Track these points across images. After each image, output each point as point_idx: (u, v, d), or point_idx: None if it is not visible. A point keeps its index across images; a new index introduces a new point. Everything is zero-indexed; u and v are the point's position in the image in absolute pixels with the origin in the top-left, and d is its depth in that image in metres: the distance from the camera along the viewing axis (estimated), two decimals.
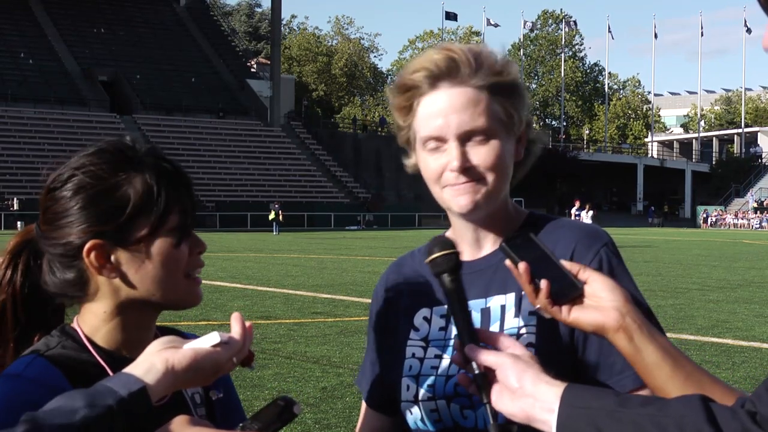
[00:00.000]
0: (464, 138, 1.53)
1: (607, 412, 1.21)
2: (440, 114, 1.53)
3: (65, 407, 1.16)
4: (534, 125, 1.70)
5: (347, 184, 64.19)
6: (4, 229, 45.80)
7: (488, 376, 1.29)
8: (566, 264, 1.41)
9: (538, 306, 1.39)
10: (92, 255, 1.44)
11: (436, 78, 1.53)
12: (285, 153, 64.92)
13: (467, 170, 1.54)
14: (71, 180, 1.45)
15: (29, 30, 68.12)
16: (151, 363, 1.25)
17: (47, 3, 71.56)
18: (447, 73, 1.53)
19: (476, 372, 1.30)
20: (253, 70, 76.07)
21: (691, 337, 10.66)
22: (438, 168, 1.56)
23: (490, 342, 1.34)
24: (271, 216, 47.56)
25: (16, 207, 48.79)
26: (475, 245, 1.68)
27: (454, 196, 1.57)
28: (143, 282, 1.46)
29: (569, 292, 1.38)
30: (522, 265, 1.38)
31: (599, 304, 1.38)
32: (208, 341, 1.29)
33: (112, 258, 1.44)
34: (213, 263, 21.89)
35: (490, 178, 1.55)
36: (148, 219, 1.44)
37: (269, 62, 73.99)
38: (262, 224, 51.44)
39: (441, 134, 1.54)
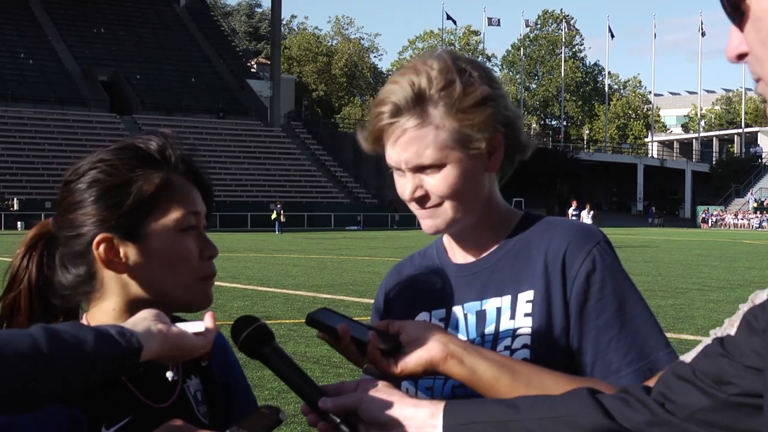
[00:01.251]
0: (417, 169, 1.57)
1: (495, 424, 1.17)
2: (393, 148, 1.58)
3: (79, 337, 1.18)
4: (526, 125, 1.70)
5: (347, 185, 64.18)
6: (4, 229, 45.79)
7: (351, 420, 1.25)
8: (374, 324, 1.45)
9: (365, 366, 1.40)
10: (101, 248, 1.44)
11: (392, 114, 1.56)
12: (285, 153, 64.90)
13: (421, 199, 1.59)
14: (88, 173, 1.46)
15: (29, 30, 68.09)
16: (149, 329, 1.27)
17: (47, 3, 71.53)
18: (399, 109, 1.55)
19: (338, 421, 1.26)
20: (253, 70, 76.05)
21: (691, 337, 10.65)
22: (402, 190, 1.61)
23: (337, 392, 1.30)
24: (273, 216, 47.87)
25: (16, 207, 48.78)
26: (469, 248, 1.70)
27: (419, 218, 1.63)
28: (150, 279, 1.45)
29: (389, 344, 1.40)
30: (341, 326, 1.40)
31: (420, 344, 1.39)
32: (193, 327, 1.34)
33: (121, 252, 1.44)
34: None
35: (446, 204, 1.59)
36: (158, 216, 1.44)
37: (269, 62, 73.98)
38: (263, 224, 51.45)
39: (398, 166, 1.59)
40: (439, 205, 1.59)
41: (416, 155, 1.55)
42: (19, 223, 46.24)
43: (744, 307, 1.31)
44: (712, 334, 1.33)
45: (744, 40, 0.91)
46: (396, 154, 1.57)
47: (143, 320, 1.29)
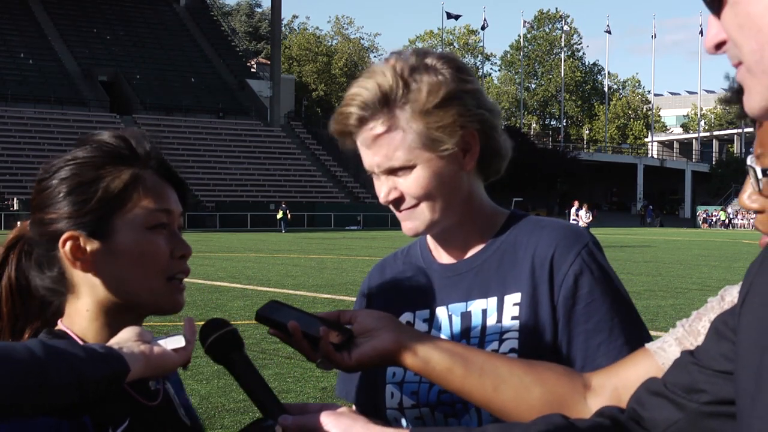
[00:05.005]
0: (389, 172, 1.56)
1: None
2: (365, 152, 1.58)
3: (75, 355, 1.17)
4: (502, 120, 1.67)
5: (347, 185, 64.17)
6: (4, 229, 45.80)
7: None
8: (324, 314, 1.43)
9: (319, 360, 1.39)
10: (67, 246, 1.41)
11: (360, 118, 1.54)
12: (285, 153, 64.90)
13: (396, 201, 1.58)
14: (59, 171, 1.43)
15: (29, 30, 68.08)
16: (133, 353, 1.26)
17: (47, 3, 71.51)
18: (366, 112, 1.54)
19: None
20: (253, 70, 76.05)
21: None
22: (378, 193, 1.60)
23: (299, 412, 1.27)
24: (279, 215, 48.53)
25: (16, 207, 48.80)
26: (454, 248, 1.67)
27: (399, 219, 1.62)
28: (118, 278, 1.42)
29: (341, 335, 1.38)
30: (291, 324, 1.38)
31: (373, 335, 1.38)
32: (173, 343, 1.32)
33: (88, 250, 1.41)
34: (213, 263, 21.87)
35: (423, 205, 1.57)
36: (126, 213, 1.42)
37: (269, 62, 73.98)
38: (262, 224, 51.51)
39: (371, 169, 1.59)
40: (415, 206, 1.58)
41: (386, 158, 1.55)
42: (19, 223, 46.25)
43: (713, 301, 1.31)
44: (679, 325, 1.32)
45: (722, 29, 0.90)
46: (368, 158, 1.57)
47: (127, 341, 1.28)
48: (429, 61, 1.55)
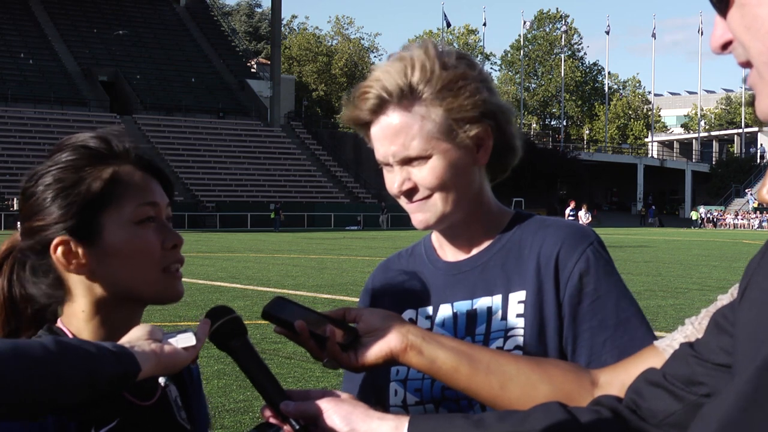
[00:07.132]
0: (404, 162, 1.56)
1: None
2: (380, 142, 1.57)
3: (88, 352, 1.17)
4: (515, 118, 1.69)
5: (347, 184, 64.17)
6: (4, 230, 45.78)
7: (312, 429, 1.23)
8: (329, 312, 1.42)
9: (325, 360, 1.39)
10: (59, 251, 1.42)
11: (377, 107, 1.55)
12: (285, 153, 64.89)
13: (410, 192, 1.58)
14: (43, 176, 1.44)
15: (29, 30, 68.08)
16: (145, 351, 1.26)
17: (47, 3, 71.52)
18: (384, 102, 1.55)
19: (297, 427, 1.23)
20: (253, 70, 76.03)
21: None
22: (390, 184, 1.60)
23: (301, 398, 1.27)
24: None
25: (16, 207, 48.76)
26: (460, 246, 1.68)
27: (410, 212, 1.62)
28: (114, 277, 1.43)
29: (347, 334, 1.38)
30: (299, 323, 1.37)
31: (378, 335, 1.38)
32: (183, 341, 1.33)
33: (80, 254, 1.42)
34: (213, 263, 21.88)
35: (435, 197, 1.57)
36: (112, 212, 1.42)
37: (269, 62, 73.98)
38: (262, 224, 51.52)
39: (385, 160, 1.58)
40: (427, 197, 1.58)
41: (403, 147, 1.55)
42: (19, 223, 46.24)
43: (723, 299, 1.31)
44: (687, 322, 1.32)
45: (728, 29, 0.89)
46: (383, 147, 1.57)
47: (138, 339, 1.29)
48: (447, 54, 1.57)
